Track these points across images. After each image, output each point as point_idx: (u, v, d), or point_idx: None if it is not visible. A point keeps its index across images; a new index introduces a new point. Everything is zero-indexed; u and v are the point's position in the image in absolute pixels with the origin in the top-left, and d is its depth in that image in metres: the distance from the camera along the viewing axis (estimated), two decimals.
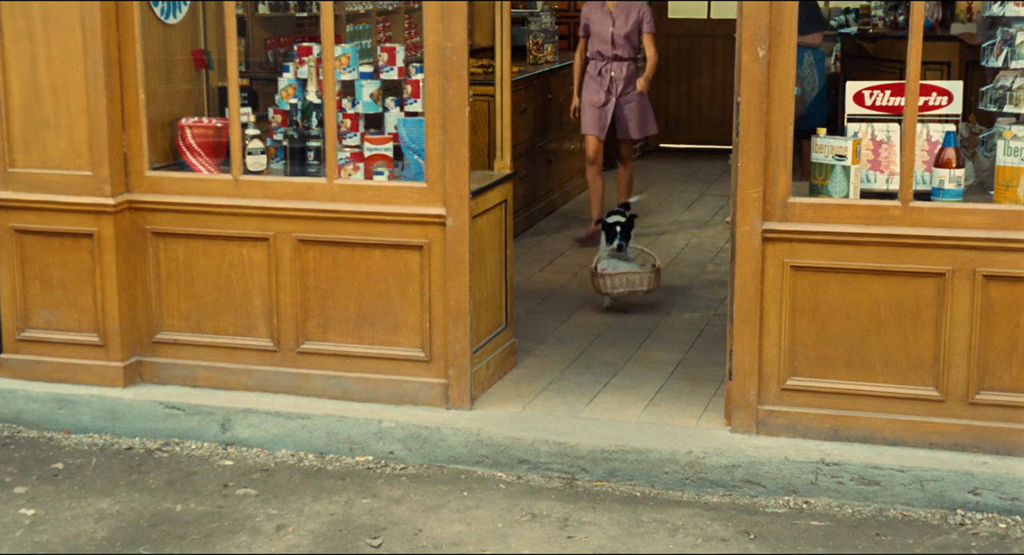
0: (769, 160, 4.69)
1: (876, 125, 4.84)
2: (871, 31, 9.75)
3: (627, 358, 5.84)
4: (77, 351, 5.38)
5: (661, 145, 12.13)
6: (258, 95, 6.52)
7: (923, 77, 4.64)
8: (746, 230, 4.73)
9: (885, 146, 4.82)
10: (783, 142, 4.67)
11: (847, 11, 11.22)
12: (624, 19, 8.03)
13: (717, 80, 11.92)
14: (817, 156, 4.81)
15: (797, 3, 4.61)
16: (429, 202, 5.04)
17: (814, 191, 4.83)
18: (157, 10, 5.34)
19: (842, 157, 4.72)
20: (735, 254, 4.77)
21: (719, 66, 11.93)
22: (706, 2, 12.27)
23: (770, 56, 4.63)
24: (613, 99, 8.08)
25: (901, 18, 9.52)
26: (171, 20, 5.44)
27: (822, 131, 4.86)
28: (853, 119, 4.87)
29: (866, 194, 4.78)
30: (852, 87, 4.87)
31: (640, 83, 8.11)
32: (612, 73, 8.05)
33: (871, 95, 4.83)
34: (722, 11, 12.20)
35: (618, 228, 6.62)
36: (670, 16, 12.17)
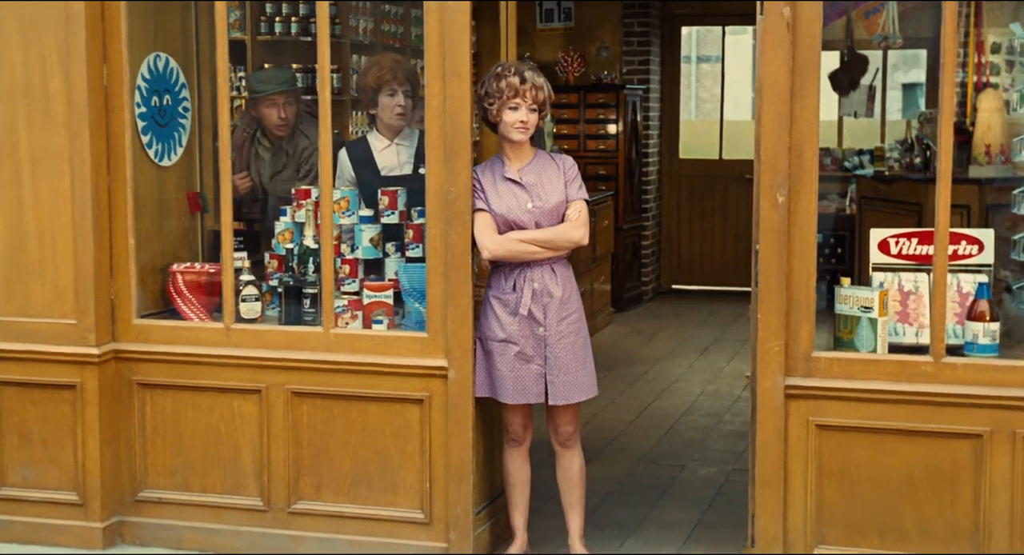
0: (791, 312, 4.42)
1: (903, 275, 4.59)
2: (887, 173, 9.58)
3: (641, 519, 5.50)
4: (54, 511, 5.05)
5: (673, 286, 11.93)
6: (261, 236, 6.31)
7: None
8: (767, 386, 4.44)
9: (913, 297, 4.56)
10: (805, 293, 4.41)
11: (861, 152, 11.11)
12: (547, 186, 4.67)
13: (730, 221, 11.77)
14: (842, 307, 4.54)
15: (818, 146, 4.40)
16: (430, 353, 4.77)
17: (839, 344, 4.55)
18: (151, 152, 5.15)
19: (868, 309, 4.46)
20: (756, 412, 4.47)
21: (731, 207, 11.80)
22: (718, 142, 12.21)
23: (790, 202, 4.40)
24: (544, 334, 4.68)
25: (917, 160, 9.35)
26: (165, 162, 5.26)
27: (846, 281, 4.61)
28: (878, 268, 4.61)
29: (895, 348, 4.50)
30: (877, 234, 4.63)
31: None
32: (536, 285, 4.71)
33: (897, 243, 4.59)
34: (734, 152, 12.11)
35: None
36: (681, 157, 12.09)
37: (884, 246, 4.60)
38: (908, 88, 20.87)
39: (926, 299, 4.54)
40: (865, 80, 10.70)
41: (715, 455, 6.49)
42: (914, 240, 4.57)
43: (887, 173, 9.64)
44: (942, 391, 4.31)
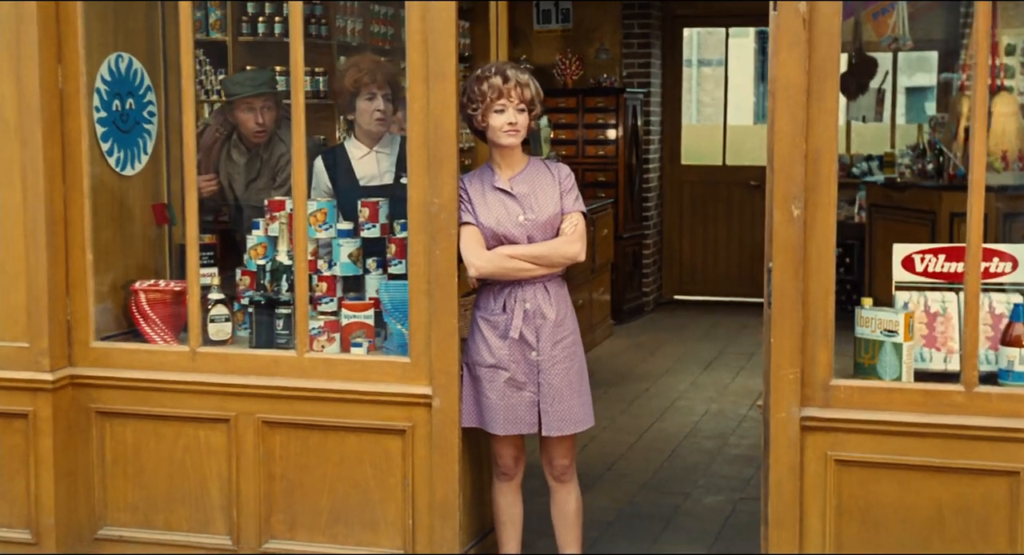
0: (807, 335, 4.02)
1: (929, 294, 4.19)
2: (898, 180, 9.21)
3: (643, 553, 5.10)
4: (4, 550, 4.66)
5: (675, 297, 11.54)
6: (241, 247, 5.91)
7: (959, 231, 4.01)
8: (781, 417, 4.04)
9: (941, 319, 4.16)
10: (823, 315, 4.02)
11: (870, 158, 10.74)
12: (541, 196, 4.28)
13: (733, 229, 11.38)
14: (863, 331, 4.15)
15: (837, 153, 4.01)
16: (412, 379, 4.38)
17: (860, 371, 4.15)
18: (111, 160, 4.76)
19: (892, 332, 4.06)
20: (769, 444, 4.08)
21: (735, 214, 11.42)
22: (720, 147, 11.84)
23: (806, 216, 4.00)
24: (537, 358, 4.29)
25: (930, 166, 8.98)
26: (128, 171, 4.87)
27: (867, 301, 4.21)
28: (902, 287, 4.22)
29: (921, 375, 4.10)
30: (900, 250, 4.22)
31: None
32: (527, 305, 4.31)
33: (923, 260, 4.19)
34: (737, 158, 11.73)
35: None
36: (683, 162, 11.71)
37: (908, 263, 4.20)
38: (913, 92, 20.48)
39: (955, 321, 4.14)
40: (874, 83, 10.35)
41: (721, 482, 6.09)
42: (941, 257, 4.18)
43: (898, 180, 9.28)
44: (974, 423, 3.92)
